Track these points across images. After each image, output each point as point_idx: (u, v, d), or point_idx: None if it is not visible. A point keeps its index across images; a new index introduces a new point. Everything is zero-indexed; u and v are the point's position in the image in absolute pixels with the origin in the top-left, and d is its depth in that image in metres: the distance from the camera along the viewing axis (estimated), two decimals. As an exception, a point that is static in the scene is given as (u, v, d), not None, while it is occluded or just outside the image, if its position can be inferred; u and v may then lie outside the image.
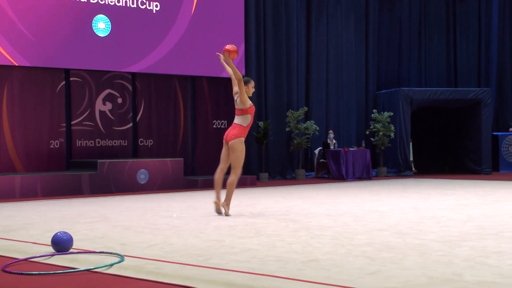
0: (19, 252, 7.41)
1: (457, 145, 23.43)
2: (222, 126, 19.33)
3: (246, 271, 6.21)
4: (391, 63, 24.24)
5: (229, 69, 10.94)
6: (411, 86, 23.64)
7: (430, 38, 24.85)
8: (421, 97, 22.19)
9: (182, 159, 17.57)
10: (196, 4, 18.61)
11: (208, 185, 17.20)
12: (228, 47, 10.64)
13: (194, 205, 13.06)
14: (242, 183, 18.01)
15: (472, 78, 25.23)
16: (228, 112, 19.51)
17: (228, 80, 19.31)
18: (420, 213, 11.03)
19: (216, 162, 19.14)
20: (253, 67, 20.18)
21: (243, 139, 10.77)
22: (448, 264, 6.48)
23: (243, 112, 10.81)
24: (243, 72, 19.44)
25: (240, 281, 5.83)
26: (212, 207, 11.29)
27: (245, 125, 10.82)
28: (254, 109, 11.02)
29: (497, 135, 23.82)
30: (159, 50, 18.03)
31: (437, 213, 10.98)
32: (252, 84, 10.98)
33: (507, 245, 7.65)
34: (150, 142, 18.31)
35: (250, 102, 10.83)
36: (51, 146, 16.85)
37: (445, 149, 23.83)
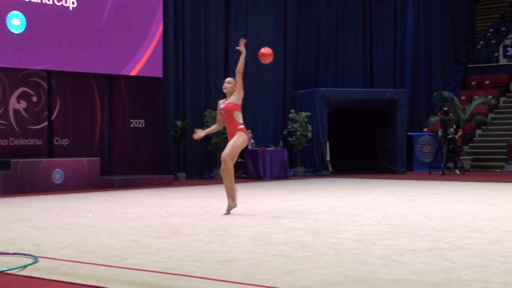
0: None
1: (373, 145, 23.76)
2: (139, 125, 19.15)
3: (163, 271, 6.16)
4: (309, 63, 24.42)
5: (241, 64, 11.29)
6: (328, 86, 23.83)
7: (347, 39, 25.13)
8: (338, 97, 22.42)
9: (98, 158, 17.33)
10: (113, 2, 18.38)
11: (125, 185, 17.03)
12: (263, 50, 11.25)
13: (111, 205, 12.89)
14: (159, 183, 17.92)
15: (388, 79, 25.61)
16: (146, 111, 19.36)
17: (145, 79, 19.28)
18: (336, 212, 11.14)
19: (134, 161, 19.10)
20: (171, 66, 20.03)
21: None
22: (364, 263, 6.56)
23: (239, 108, 11.15)
24: (161, 72, 19.31)
25: (156, 281, 5.77)
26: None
27: (242, 121, 11.13)
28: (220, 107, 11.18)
29: (411, 135, 24.26)
30: (76, 48, 17.72)
31: (353, 212, 11.10)
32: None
33: (420, 243, 7.78)
34: (66, 141, 17.97)
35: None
36: (-37, 145, 16.45)
37: (362, 148, 24.16)
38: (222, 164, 10.93)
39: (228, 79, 11.30)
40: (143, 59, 18.90)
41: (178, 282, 5.75)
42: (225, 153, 10.86)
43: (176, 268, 6.28)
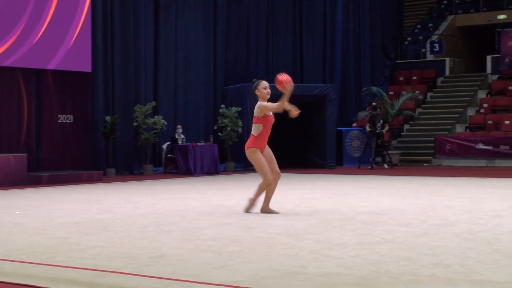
0: None
1: (303, 140, 23.87)
2: (68, 121, 18.89)
3: (92, 268, 6.10)
4: (239, 59, 24.39)
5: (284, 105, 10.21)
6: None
7: (277, 35, 25.18)
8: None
9: (25, 154, 17.02)
10: (40, -5, 18.08)
11: (53, 181, 16.79)
12: (280, 78, 10.18)
13: (39, 201, 12.70)
14: (88, 179, 17.71)
15: (318, 74, 25.79)
16: (75, 106, 19.11)
17: (74, 74, 19.04)
18: (267, 207, 11.19)
19: (62, 157, 18.82)
20: (100, 61, 19.76)
21: (254, 149, 10.12)
22: (294, 257, 6.60)
23: (255, 120, 10.21)
24: (90, 67, 19.06)
25: (85, 279, 5.71)
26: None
27: (255, 134, 10.15)
28: (272, 120, 10.29)
29: (341, 130, 24.48)
30: (2, 43, 17.38)
31: (283, 207, 11.15)
32: (263, 85, 10.36)
33: (350, 237, 7.86)
34: (-8, 137, 17.64)
35: (268, 112, 10.20)
36: None
37: (292, 144, 24.22)
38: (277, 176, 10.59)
39: (268, 84, 10.51)
40: (71, 53, 18.62)
41: (107, 279, 5.71)
42: (265, 179, 10.40)
43: (105, 265, 6.23)
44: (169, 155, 21.08)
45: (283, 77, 10.05)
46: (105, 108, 19.94)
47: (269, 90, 10.28)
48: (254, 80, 10.64)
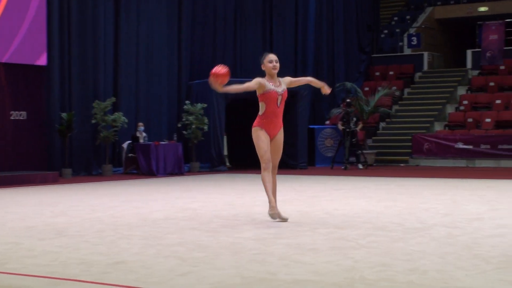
0: None
1: (273, 139, 23.87)
2: (21, 118, 18.71)
3: (46, 275, 6.05)
4: (205, 52, 24.30)
5: (237, 90, 10.07)
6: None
7: (246, 27, 25.17)
8: (237, 88, 22.40)
9: (-26, 153, 16.90)
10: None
11: (4, 183, 16.62)
12: (215, 70, 9.63)
13: (-11, 204, 12.60)
14: (42, 180, 17.57)
15: (289, 69, 25.76)
16: (28, 102, 18.94)
17: (28, 68, 18.89)
18: (234, 210, 11.18)
19: (14, 157, 18.67)
20: (56, 54, 19.55)
21: (256, 128, 9.92)
22: (263, 263, 6.60)
23: (259, 98, 9.92)
24: (45, 60, 18.91)
25: (39, 286, 5.67)
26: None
27: (260, 113, 9.92)
28: (276, 96, 9.81)
29: (313, 128, 24.52)
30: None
31: (252, 210, 11.17)
32: (268, 58, 10.01)
33: (322, 242, 7.88)
34: None
35: (269, 87, 9.82)
36: None
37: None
38: (274, 169, 10.22)
39: (275, 57, 10.08)
40: (25, 45, 18.48)
41: (62, 287, 5.67)
42: (261, 163, 9.96)
43: (61, 272, 6.18)
44: (130, 155, 20.98)
45: (216, 69, 9.62)
46: (61, 104, 19.76)
47: (275, 64, 9.90)
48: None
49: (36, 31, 18.76)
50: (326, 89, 10.25)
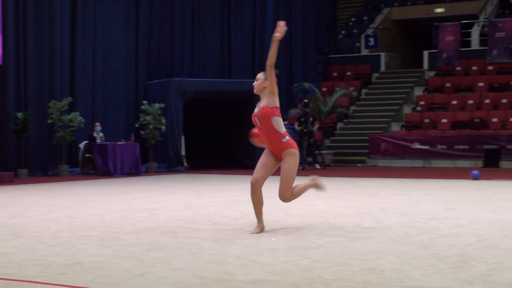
0: None
1: (230, 139, 23.84)
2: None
3: (2, 277, 5.99)
4: (163, 52, 24.19)
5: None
6: (184, 76, 23.67)
7: (204, 27, 25.10)
8: (194, 88, 22.38)
9: None
10: None
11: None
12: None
13: None
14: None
15: (247, 69, 25.81)
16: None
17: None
18: (192, 211, 11.14)
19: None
20: (12, 53, 19.33)
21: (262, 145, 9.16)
22: (220, 263, 6.59)
23: None
24: (0, 60, 18.69)
25: (-6, 289, 5.63)
26: None
27: None
28: (253, 117, 8.87)
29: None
30: None
31: (209, 210, 11.14)
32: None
33: (280, 242, 7.89)
34: None
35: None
36: None
37: (219, 143, 24.20)
38: (284, 199, 8.93)
39: (258, 74, 8.90)
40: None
41: (18, 288, 5.62)
42: (282, 191, 8.86)
43: (16, 274, 6.12)
44: (86, 155, 20.82)
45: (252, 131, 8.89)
46: (17, 103, 19.55)
47: (253, 84, 8.89)
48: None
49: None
50: (277, 32, 9.12)
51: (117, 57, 22.43)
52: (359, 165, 24.85)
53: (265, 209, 10.67)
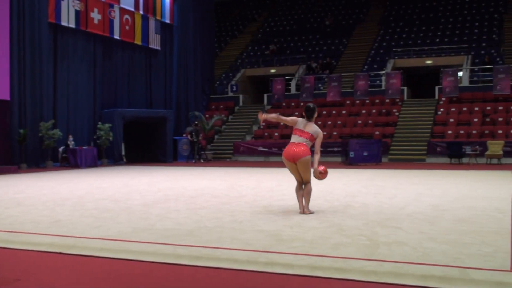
0: None
1: (153, 145, 23.53)
2: (-8, 132, 17.48)
3: (9, 230, 5.74)
4: (111, 93, 23.52)
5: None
6: (123, 107, 23.18)
7: (136, 78, 24.57)
8: (130, 114, 21.99)
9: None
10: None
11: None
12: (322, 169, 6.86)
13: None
14: (7, 171, 16.53)
15: (161, 103, 25.52)
16: (0, 124, 17.74)
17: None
18: (129, 188, 10.97)
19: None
20: (15, 91, 18.32)
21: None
22: (146, 219, 6.54)
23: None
24: (8, 96, 17.74)
25: (5, 237, 5.36)
26: None
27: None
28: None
29: (176, 138, 24.35)
30: None
31: (140, 187, 10.99)
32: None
33: (182, 205, 7.88)
34: None
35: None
36: None
37: (145, 147, 23.81)
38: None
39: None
40: (-5, 87, 17.27)
41: (20, 237, 5.39)
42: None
43: (19, 228, 5.87)
44: (63, 155, 20.09)
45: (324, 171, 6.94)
46: (19, 123, 18.62)
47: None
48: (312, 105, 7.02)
49: (1, 75, 17.60)
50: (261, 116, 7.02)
51: (82, 95, 21.69)
52: (227, 160, 24.96)
53: (172, 186, 10.56)
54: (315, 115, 6.90)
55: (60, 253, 4.81)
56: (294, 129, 6.96)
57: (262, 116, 6.91)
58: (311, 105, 6.96)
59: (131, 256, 4.60)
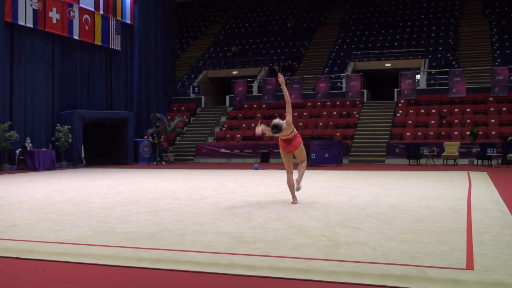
0: None
1: (113, 146, 23.25)
2: None
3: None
4: (70, 94, 23.10)
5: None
6: (83, 108, 22.81)
7: (95, 79, 24.23)
8: (90, 116, 21.65)
9: None
10: None
11: None
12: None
13: None
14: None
15: (122, 105, 25.21)
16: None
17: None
18: (88, 190, 10.79)
19: None
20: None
21: None
22: (106, 222, 6.45)
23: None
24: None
25: (-41, 243, 5.21)
26: None
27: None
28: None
29: (137, 140, 24.11)
30: None
31: (100, 190, 10.82)
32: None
33: (143, 208, 7.80)
34: None
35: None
36: None
37: (106, 149, 23.50)
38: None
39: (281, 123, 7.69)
40: None
41: (-25, 242, 5.22)
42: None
43: (-26, 233, 5.69)
44: (21, 157, 19.62)
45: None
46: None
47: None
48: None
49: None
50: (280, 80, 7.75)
51: (40, 96, 21.23)
52: (189, 161, 24.86)
53: (132, 188, 10.48)
54: (283, 129, 7.61)
55: (17, 258, 4.70)
56: (280, 139, 7.93)
57: (259, 129, 7.72)
58: (277, 124, 7.58)
59: (91, 260, 4.54)
